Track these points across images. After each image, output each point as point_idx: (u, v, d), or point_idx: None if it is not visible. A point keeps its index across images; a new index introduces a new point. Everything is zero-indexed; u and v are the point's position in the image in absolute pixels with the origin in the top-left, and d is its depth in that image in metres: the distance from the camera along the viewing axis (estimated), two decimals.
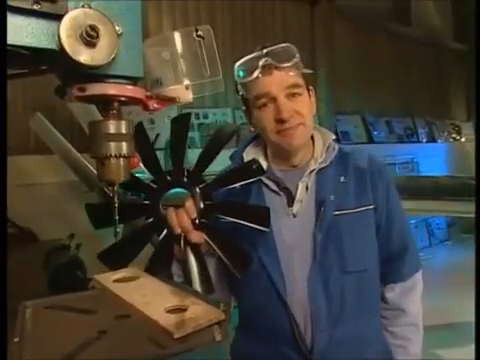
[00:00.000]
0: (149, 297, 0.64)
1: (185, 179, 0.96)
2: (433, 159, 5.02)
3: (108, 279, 0.75)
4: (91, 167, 1.98)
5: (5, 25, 0.50)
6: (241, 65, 0.97)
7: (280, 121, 0.95)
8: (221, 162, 1.12)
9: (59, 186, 2.28)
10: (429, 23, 5.68)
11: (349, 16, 4.46)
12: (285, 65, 0.95)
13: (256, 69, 0.95)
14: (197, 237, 0.92)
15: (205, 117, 2.95)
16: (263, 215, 0.93)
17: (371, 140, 4.57)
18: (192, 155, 2.84)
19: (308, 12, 4.02)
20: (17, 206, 1.96)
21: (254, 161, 0.98)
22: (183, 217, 0.90)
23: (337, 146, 1.04)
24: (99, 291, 0.71)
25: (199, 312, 0.59)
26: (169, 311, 0.60)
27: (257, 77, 0.95)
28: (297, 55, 0.96)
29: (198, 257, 0.95)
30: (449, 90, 6.05)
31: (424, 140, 5.28)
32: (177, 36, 0.65)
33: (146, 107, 0.64)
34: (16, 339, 0.54)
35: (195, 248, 0.94)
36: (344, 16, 4.39)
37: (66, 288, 0.88)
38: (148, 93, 0.63)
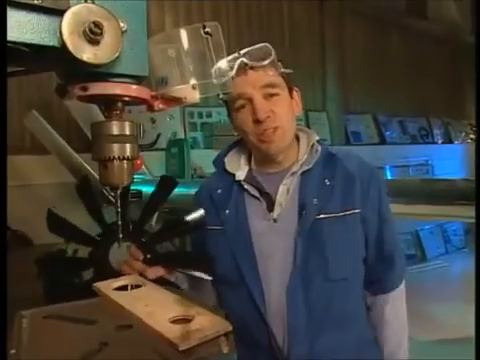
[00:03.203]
0: (152, 306, 0.65)
1: (131, 229, 1.06)
2: (449, 161, 4.99)
3: (108, 287, 0.75)
4: (89, 168, 1.99)
5: (5, 23, 0.50)
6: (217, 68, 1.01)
7: (257, 122, 0.98)
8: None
9: (55, 188, 2.29)
10: (447, 17, 5.65)
11: (361, 11, 4.45)
12: (259, 64, 0.97)
13: (231, 70, 0.97)
14: (153, 272, 0.97)
15: (209, 116, 2.94)
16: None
17: (383, 141, 4.55)
18: (195, 155, 2.84)
19: (317, 7, 4.01)
20: (11, 208, 1.96)
21: (197, 217, 1.04)
22: (134, 264, 0.97)
23: (320, 147, 1.06)
24: (99, 300, 0.72)
25: (205, 323, 0.59)
26: (173, 321, 0.60)
27: (232, 78, 0.96)
28: (273, 53, 0.99)
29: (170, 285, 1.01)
30: (466, 88, 6.03)
31: (440, 141, 5.26)
32: (183, 33, 0.65)
33: (151, 107, 0.64)
34: (12, 351, 0.55)
35: (163, 280, 0.99)
36: (355, 11, 4.38)
37: (63, 296, 0.90)
38: (153, 93, 0.63)
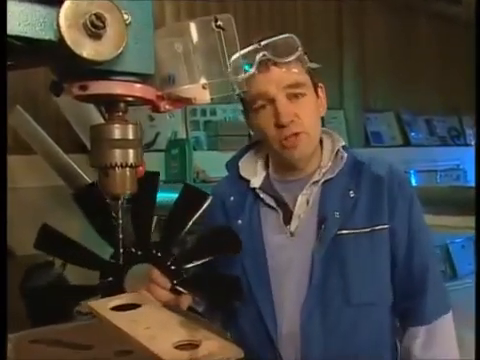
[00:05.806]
0: (154, 329, 0.65)
1: (155, 252, 1.01)
2: None
3: (104, 306, 0.76)
4: (79, 170, 2.00)
5: (5, 17, 0.51)
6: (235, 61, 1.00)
7: (279, 126, 0.96)
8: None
9: (42, 192, 2.30)
10: None
11: None
12: (285, 60, 0.95)
13: (252, 65, 0.94)
14: (185, 301, 0.94)
15: (213, 114, 2.93)
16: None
17: (407, 142, 4.53)
18: (197, 157, 2.84)
19: None
20: None
21: (229, 231, 1.01)
22: (159, 292, 0.92)
23: (346, 154, 1.04)
24: (94, 321, 0.72)
25: (213, 349, 0.59)
26: (178, 347, 0.61)
27: (253, 74, 0.94)
28: (300, 48, 0.97)
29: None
30: None
31: (473, 142, 5.24)
32: (193, 26, 0.66)
33: (157, 108, 0.65)
34: None
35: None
36: None
37: (50, 316, 0.90)
38: (159, 92, 0.64)
